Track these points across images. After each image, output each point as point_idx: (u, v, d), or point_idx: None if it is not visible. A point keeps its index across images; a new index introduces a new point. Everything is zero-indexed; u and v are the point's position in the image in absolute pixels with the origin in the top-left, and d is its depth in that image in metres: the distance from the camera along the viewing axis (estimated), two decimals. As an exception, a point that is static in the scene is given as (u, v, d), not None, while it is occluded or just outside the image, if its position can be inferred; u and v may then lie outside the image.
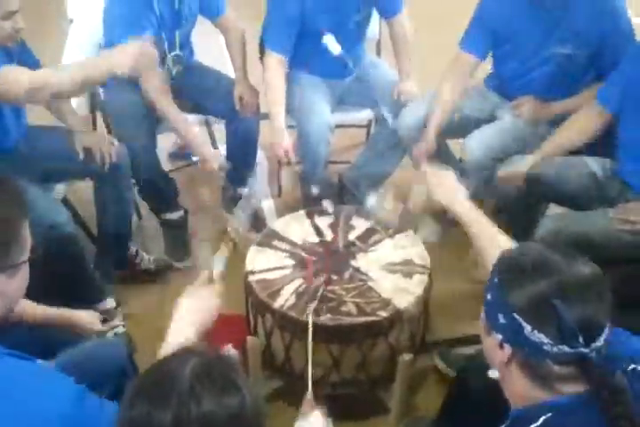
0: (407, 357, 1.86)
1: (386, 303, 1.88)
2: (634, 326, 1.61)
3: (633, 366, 1.10)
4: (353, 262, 2.04)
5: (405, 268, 2.01)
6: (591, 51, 2.28)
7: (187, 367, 0.96)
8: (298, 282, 1.97)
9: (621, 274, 1.92)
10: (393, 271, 2.00)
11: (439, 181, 1.75)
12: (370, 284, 1.96)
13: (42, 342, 1.51)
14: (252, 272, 2.00)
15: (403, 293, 1.92)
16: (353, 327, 1.84)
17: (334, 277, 1.98)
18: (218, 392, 0.94)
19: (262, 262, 2.04)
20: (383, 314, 1.86)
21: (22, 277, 1.26)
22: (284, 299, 1.90)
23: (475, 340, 2.20)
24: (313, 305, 1.86)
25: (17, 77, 1.91)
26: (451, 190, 1.70)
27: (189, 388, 0.93)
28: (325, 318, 1.83)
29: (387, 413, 2.04)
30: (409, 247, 2.09)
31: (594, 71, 2.38)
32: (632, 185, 2.12)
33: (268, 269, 2.01)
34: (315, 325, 1.79)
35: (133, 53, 1.92)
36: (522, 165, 2.23)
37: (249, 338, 1.94)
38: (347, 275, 1.99)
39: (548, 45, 2.31)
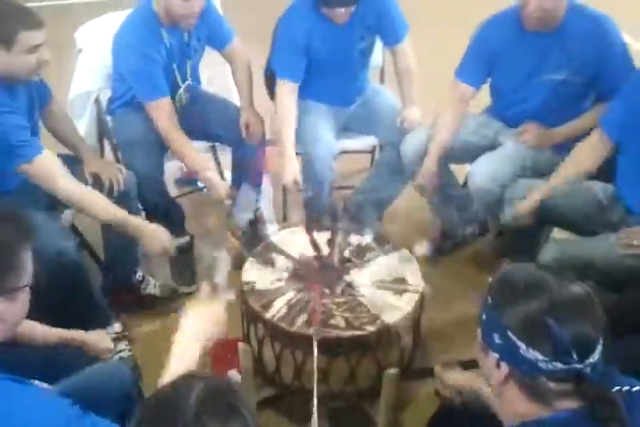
0: (392, 371, 1.87)
1: (374, 318, 1.91)
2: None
3: (627, 387, 1.11)
4: (346, 277, 2.08)
5: (397, 286, 2.04)
6: (587, 76, 2.31)
7: (191, 395, 0.96)
8: (291, 294, 2.01)
9: (626, 298, 1.93)
10: (384, 288, 2.03)
11: None
12: (360, 299, 1.99)
13: (43, 364, 1.51)
14: (248, 283, 2.06)
15: (392, 309, 1.95)
16: (340, 341, 1.87)
17: (327, 291, 2.02)
18: (222, 419, 0.95)
19: (258, 274, 2.09)
20: (370, 329, 1.88)
21: (22, 302, 1.26)
22: (276, 310, 1.95)
23: (468, 365, 2.21)
24: (303, 318, 1.90)
25: (54, 175, 2.07)
26: None
27: (194, 415, 0.94)
28: (314, 331, 1.86)
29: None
30: (403, 264, 2.12)
31: (593, 94, 2.41)
32: (632, 210, 2.13)
33: (263, 281, 2.06)
34: (303, 337, 1.83)
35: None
36: (532, 195, 2.22)
37: (240, 344, 1.97)
38: (339, 289, 2.03)
39: (541, 72, 2.35)
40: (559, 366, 1.04)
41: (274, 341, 1.99)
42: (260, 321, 1.98)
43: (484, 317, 1.15)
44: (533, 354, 1.05)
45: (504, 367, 1.10)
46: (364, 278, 2.07)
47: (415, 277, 2.06)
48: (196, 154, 2.57)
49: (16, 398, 1.11)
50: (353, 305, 1.97)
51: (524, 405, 1.10)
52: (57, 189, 2.07)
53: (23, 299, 1.26)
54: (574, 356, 1.04)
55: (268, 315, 1.94)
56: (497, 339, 1.10)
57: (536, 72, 2.36)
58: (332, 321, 1.91)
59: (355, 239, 2.23)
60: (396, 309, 1.95)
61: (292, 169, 2.54)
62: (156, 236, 2.20)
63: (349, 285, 2.05)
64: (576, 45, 2.27)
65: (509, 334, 1.08)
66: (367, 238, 2.22)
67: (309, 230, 2.24)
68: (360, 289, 2.03)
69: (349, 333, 1.88)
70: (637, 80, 2.10)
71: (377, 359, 1.95)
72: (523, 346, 1.06)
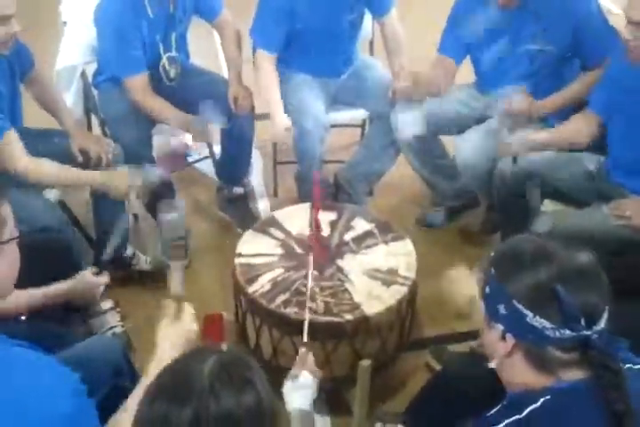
0: (365, 362, 1.80)
1: (354, 307, 1.89)
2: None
3: (629, 364, 1.10)
4: (339, 262, 2.05)
5: (388, 276, 2.00)
6: (564, 45, 2.31)
7: (205, 366, 0.98)
8: (279, 271, 2.01)
9: (621, 266, 1.93)
10: (374, 278, 2.00)
11: None
12: (347, 285, 1.97)
13: (34, 339, 1.51)
14: (240, 255, 2.06)
15: (375, 300, 1.92)
16: (316, 325, 1.83)
17: (315, 273, 2.00)
18: (236, 390, 0.97)
19: (252, 247, 2.09)
20: (348, 317, 1.87)
21: (10, 259, 1.22)
22: (260, 285, 1.95)
23: (459, 338, 2.21)
24: (285, 297, 1.90)
25: (13, 154, 2.04)
26: None
27: (209, 386, 0.96)
28: (290, 311, 1.86)
29: (350, 414, 1.99)
30: (400, 256, 2.08)
31: (578, 63, 2.41)
32: (621, 184, 2.13)
33: (255, 255, 2.06)
34: (280, 316, 1.83)
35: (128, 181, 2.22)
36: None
37: (224, 313, 1.97)
38: (328, 273, 2.01)
39: (518, 44, 2.34)
40: (567, 333, 1.04)
41: (254, 315, 1.98)
42: (242, 294, 1.98)
43: (487, 289, 1.13)
44: (540, 322, 1.04)
45: (509, 339, 1.09)
46: (356, 265, 2.04)
47: (409, 271, 2.02)
48: (180, 113, 2.52)
49: (19, 361, 1.10)
50: (337, 291, 1.95)
51: (529, 376, 1.09)
52: (17, 167, 2.05)
53: (11, 255, 1.22)
54: (582, 322, 1.03)
55: (251, 289, 1.94)
56: (502, 310, 1.08)
57: (512, 44, 2.36)
58: (312, 305, 1.89)
59: (358, 224, 2.19)
60: (379, 300, 1.92)
61: (280, 120, 2.52)
62: (118, 179, 2.21)
63: (340, 270, 2.02)
64: (549, 16, 2.26)
65: (515, 303, 1.06)
66: (370, 225, 2.18)
67: (316, 209, 2.22)
68: (349, 275, 2.00)
69: (325, 318, 1.86)
70: (617, 59, 2.06)
71: (354, 348, 1.94)
72: (530, 314, 1.05)
